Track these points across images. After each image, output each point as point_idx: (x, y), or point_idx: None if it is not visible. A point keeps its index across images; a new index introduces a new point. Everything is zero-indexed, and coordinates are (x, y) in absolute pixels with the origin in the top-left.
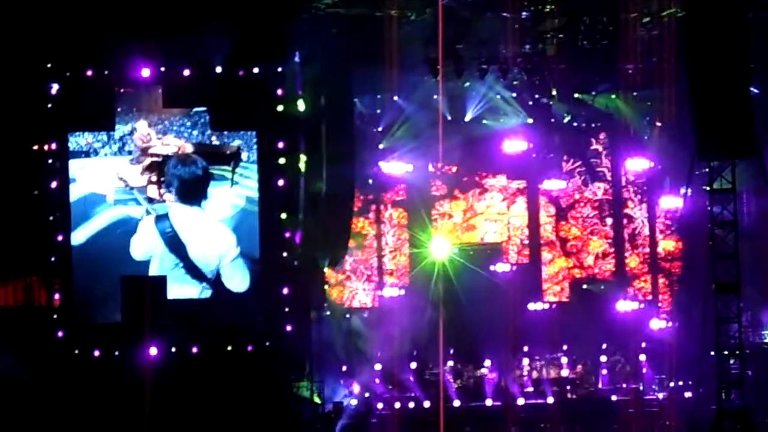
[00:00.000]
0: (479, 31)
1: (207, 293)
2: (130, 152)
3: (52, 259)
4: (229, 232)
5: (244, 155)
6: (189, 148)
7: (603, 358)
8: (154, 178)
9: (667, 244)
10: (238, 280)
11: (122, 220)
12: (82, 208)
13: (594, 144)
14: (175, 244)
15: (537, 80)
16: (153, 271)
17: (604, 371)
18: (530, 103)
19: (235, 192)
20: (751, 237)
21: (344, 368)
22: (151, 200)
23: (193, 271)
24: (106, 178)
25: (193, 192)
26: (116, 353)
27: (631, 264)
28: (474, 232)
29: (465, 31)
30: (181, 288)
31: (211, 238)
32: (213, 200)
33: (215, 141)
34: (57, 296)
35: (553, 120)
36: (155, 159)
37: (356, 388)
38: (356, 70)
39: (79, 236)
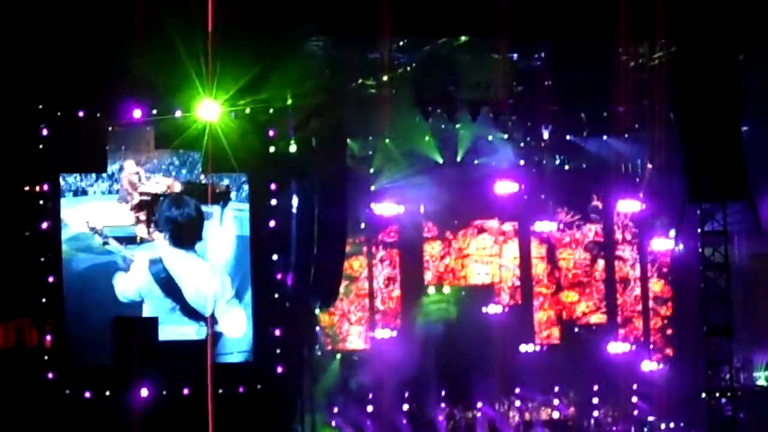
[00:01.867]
0: (471, 73)
1: (203, 333)
2: (117, 191)
3: (43, 300)
4: (224, 272)
5: (232, 194)
6: (178, 187)
7: (595, 400)
8: (143, 217)
9: (657, 286)
10: (234, 325)
11: (113, 261)
12: (71, 249)
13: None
14: (170, 287)
15: (528, 122)
16: (146, 313)
17: (596, 413)
18: (521, 144)
19: (225, 231)
20: (743, 279)
21: (335, 410)
22: (140, 240)
23: (190, 313)
24: (94, 218)
25: (186, 234)
26: (107, 394)
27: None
28: (466, 273)
29: (456, 73)
30: (178, 329)
31: (206, 281)
32: (204, 241)
33: (203, 180)
34: (48, 337)
35: (544, 162)
36: (144, 198)
37: (348, 429)
38: (348, 112)
39: (69, 277)
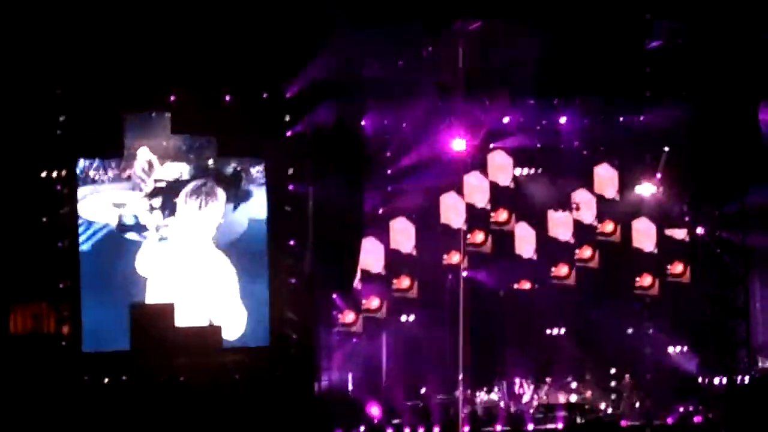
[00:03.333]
0: (491, 57)
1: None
2: (129, 178)
3: (60, 285)
4: (230, 265)
5: (244, 178)
6: (188, 172)
7: (612, 383)
8: (156, 204)
9: (678, 268)
10: (232, 325)
11: (128, 247)
12: (88, 235)
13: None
14: (179, 271)
15: (546, 104)
16: (156, 296)
17: (613, 396)
18: (538, 128)
19: (238, 215)
20: (761, 260)
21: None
22: (156, 228)
23: (197, 300)
24: (109, 204)
25: (199, 219)
26: (124, 379)
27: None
28: (486, 255)
29: (475, 56)
30: (188, 315)
31: (211, 276)
32: (218, 224)
33: (211, 164)
34: (66, 323)
35: (562, 146)
36: (158, 185)
37: (368, 412)
38: (365, 96)
39: (86, 263)
